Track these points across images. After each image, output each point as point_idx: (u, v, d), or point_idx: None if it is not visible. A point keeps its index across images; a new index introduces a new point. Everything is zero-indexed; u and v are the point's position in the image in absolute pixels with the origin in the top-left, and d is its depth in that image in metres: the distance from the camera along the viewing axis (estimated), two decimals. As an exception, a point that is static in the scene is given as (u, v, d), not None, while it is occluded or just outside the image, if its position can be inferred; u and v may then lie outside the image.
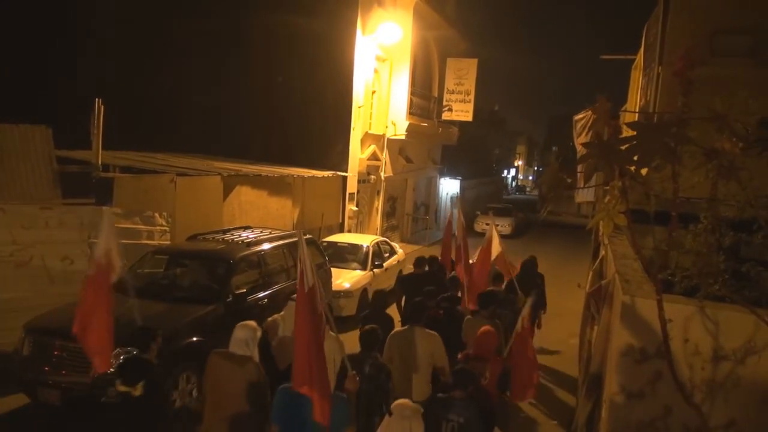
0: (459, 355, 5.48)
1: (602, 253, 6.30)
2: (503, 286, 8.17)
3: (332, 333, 4.75)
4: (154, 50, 16.03)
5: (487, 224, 10.36)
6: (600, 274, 5.95)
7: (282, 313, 6.00)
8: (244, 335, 4.52)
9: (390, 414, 3.73)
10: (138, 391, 4.44)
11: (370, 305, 6.69)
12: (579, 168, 2.51)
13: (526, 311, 5.90)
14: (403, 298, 8.00)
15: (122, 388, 4.52)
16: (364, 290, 10.81)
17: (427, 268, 8.56)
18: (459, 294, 7.76)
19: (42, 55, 15.64)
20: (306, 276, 4.05)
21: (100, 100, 9.05)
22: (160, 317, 6.73)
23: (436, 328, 5.71)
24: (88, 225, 8.16)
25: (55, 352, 6.15)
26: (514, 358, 5.79)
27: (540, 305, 8.53)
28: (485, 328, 5.59)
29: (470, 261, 8.60)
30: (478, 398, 4.45)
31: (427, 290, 6.75)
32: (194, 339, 6.62)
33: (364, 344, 4.90)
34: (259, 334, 4.73)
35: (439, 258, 9.21)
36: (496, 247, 8.54)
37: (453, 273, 8.45)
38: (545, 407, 7.82)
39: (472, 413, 4.21)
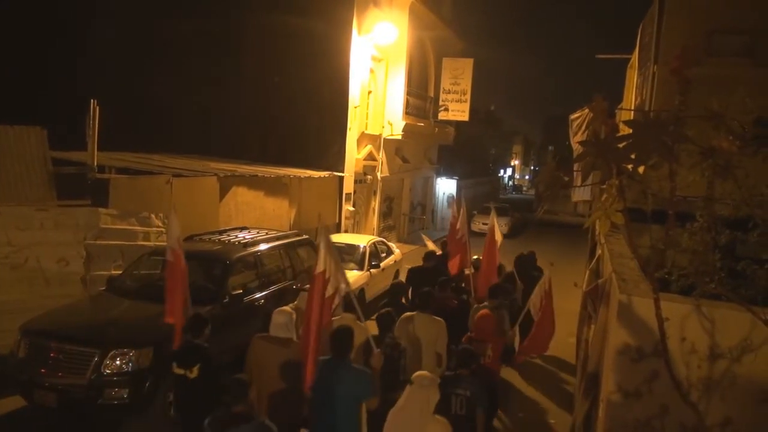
0: (463, 338, 5.97)
1: (599, 252, 6.31)
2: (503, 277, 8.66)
3: (360, 323, 5.27)
4: (150, 51, 16.01)
5: (484, 224, 10.73)
6: (597, 273, 5.96)
7: (296, 302, 6.36)
8: (283, 320, 5.03)
9: (411, 383, 4.12)
10: (194, 373, 4.89)
11: (388, 295, 7.35)
12: (576, 167, 2.50)
13: (546, 277, 6.72)
14: (410, 289, 8.51)
15: (179, 371, 4.98)
16: (361, 290, 10.79)
17: (426, 264, 9.12)
18: (463, 285, 8.51)
19: (39, 55, 15.60)
20: (320, 262, 4.75)
21: (96, 101, 9.01)
22: (157, 319, 6.71)
23: (448, 315, 6.22)
24: (84, 226, 8.13)
25: (52, 354, 6.11)
26: (541, 316, 6.53)
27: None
28: (482, 312, 6.30)
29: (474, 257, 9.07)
30: (480, 375, 5.02)
31: (441, 281, 7.40)
32: (191, 340, 6.59)
33: (382, 326, 5.45)
34: (295, 317, 5.19)
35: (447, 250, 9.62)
36: (498, 237, 8.94)
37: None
38: (543, 406, 7.83)
39: (477, 387, 4.76)
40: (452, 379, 4.77)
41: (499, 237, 8.94)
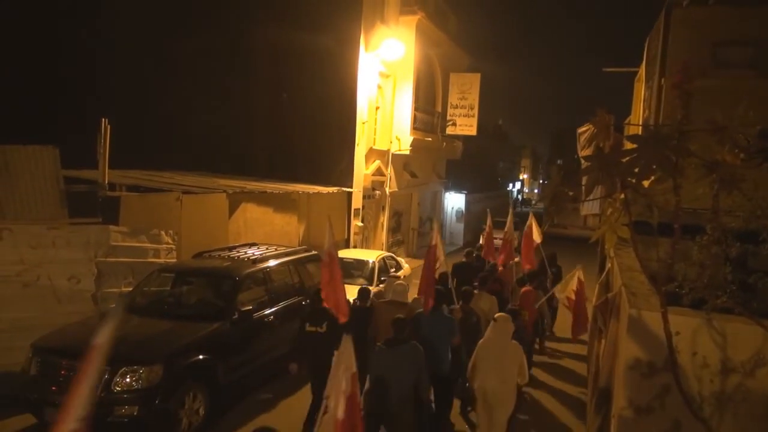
0: (508, 306, 8.00)
1: (608, 265, 6.27)
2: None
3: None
4: (159, 68, 16.22)
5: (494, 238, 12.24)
6: (606, 286, 5.93)
7: (383, 285, 9.20)
8: (401, 289, 7.54)
9: (495, 320, 6.16)
10: (323, 329, 6.68)
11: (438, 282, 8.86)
12: (583, 181, 2.51)
13: (576, 275, 8.81)
14: (455, 280, 10.40)
15: (311, 329, 6.76)
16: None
17: (465, 260, 11.56)
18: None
19: (49, 75, 15.84)
20: (434, 238, 8.48)
21: (107, 119, 9.13)
22: (167, 335, 6.73)
23: (495, 294, 8.70)
24: (95, 244, 8.20)
25: (62, 372, 6.14)
26: (576, 303, 8.64)
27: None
28: (526, 288, 9.05)
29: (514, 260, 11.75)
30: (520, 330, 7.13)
31: (488, 269, 10.33)
32: (200, 357, 6.60)
33: (464, 298, 7.61)
34: (408, 289, 7.90)
35: (482, 252, 12.24)
36: (537, 238, 11.74)
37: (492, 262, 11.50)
38: (553, 421, 7.74)
39: (522, 335, 7.01)
40: None
41: (537, 238, 11.86)
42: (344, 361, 3.51)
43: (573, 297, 8.58)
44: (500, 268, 11.03)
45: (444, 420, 7.11)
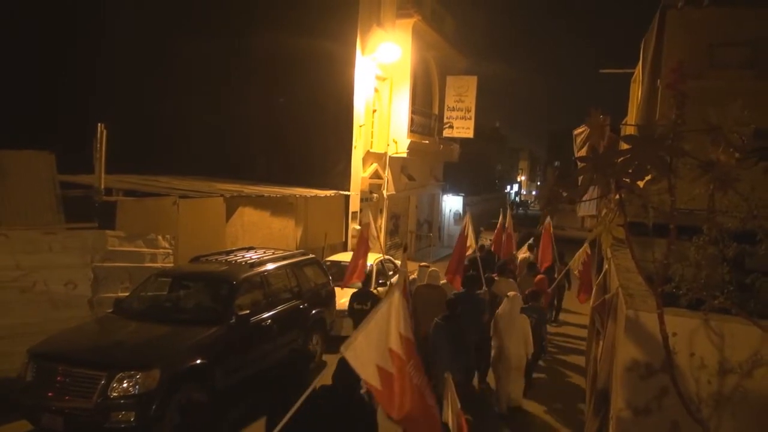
0: (526, 291, 9.28)
1: (606, 266, 6.27)
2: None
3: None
4: (156, 73, 16.21)
5: (490, 240, 14.90)
6: (604, 288, 5.92)
7: (417, 272, 10.04)
8: (436, 275, 8.62)
9: (507, 297, 7.70)
10: (368, 306, 7.78)
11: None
12: (578, 182, 2.49)
13: (584, 248, 10.38)
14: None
15: (358, 307, 8.23)
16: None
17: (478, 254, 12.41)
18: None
19: (46, 80, 15.83)
20: (466, 227, 10.62)
21: (103, 124, 9.11)
22: (164, 340, 6.71)
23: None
24: (91, 249, 8.18)
25: (59, 378, 6.10)
26: (583, 272, 10.32)
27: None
28: (540, 276, 10.40)
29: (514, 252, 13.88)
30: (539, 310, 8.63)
31: (504, 261, 11.93)
32: (198, 361, 6.57)
33: (468, 284, 8.75)
34: (441, 275, 9.03)
35: (492, 247, 14.51)
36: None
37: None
38: (553, 426, 7.72)
39: (541, 314, 8.64)
40: (527, 309, 8.15)
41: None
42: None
43: (581, 267, 10.32)
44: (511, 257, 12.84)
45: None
